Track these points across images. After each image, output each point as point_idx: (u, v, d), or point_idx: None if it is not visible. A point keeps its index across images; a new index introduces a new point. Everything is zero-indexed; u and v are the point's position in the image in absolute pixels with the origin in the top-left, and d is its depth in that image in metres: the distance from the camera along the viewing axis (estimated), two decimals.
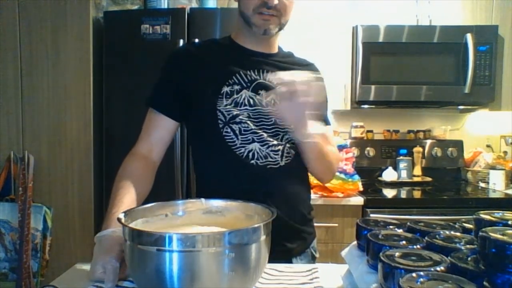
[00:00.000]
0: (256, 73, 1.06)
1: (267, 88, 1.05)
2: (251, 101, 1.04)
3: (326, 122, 1.17)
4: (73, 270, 0.91)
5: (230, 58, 1.08)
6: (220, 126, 1.03)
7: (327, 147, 1.08)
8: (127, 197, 0.91)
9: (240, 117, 1.02)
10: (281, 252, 0.98)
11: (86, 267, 0.89)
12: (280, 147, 1.04)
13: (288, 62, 1.13)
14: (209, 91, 1.04)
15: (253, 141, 1.02)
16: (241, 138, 1.02)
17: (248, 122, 1.03)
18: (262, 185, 1.01)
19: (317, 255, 1.16)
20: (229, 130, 1.02)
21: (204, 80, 1.05)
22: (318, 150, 1.04)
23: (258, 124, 1.03)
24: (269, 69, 1.08)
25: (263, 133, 1.03)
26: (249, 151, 1.02)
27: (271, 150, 1.03)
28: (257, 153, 1.02)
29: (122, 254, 0.78)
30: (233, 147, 1.02)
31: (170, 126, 1.08)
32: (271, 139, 1.03)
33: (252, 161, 1.02)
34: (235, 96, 1.03)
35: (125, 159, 1.03)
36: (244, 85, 1.04)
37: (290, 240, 1.06)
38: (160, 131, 1.07)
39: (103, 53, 2.06)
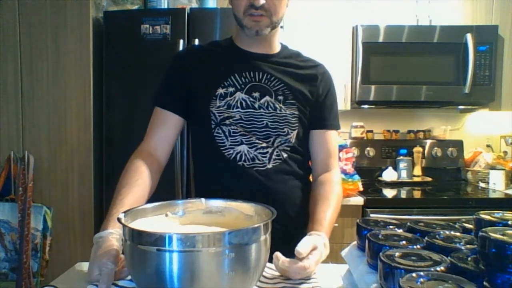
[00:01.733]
0: (252, 75, 1.07)
1: (261, 90, 1.06)
2: (244, 103, 1.04)
3: (334, 127, 1.16)
4: (73, 270, 0.91)
5: (228, 60, 1.09)
6: (212, 126, 1.05)
7: (335, 210, 1.03)
8: (129, 197, 0.91)
9: (231, 119, 1.04)
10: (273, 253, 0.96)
11: (86, 267, 0.89)
12: (269, 150, 1.05)
13: (288, 64, 1.11)
14: (204, 92, 1.06)
15: (242, 143, 1.03)
16: (231, 139, 1.04)
17: (238, 125, 1.04)
18: (248, 187, 1.02)
19: None
20: (220, 131, 1.04)
21: (201, 81, 1.07)
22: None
23: (249, 126, 1.04)
24: (265, 70, 1.08)
25: (252, 136, 1.04)
26: (237, 153, 1.03)
27: (259, 153, 1.04)
28: (245, 155, 1.03)
29: (119, 255, 0.78)
30: (222, 148, 1.04)
31: (176, 123, 1.09)
32: (260, 142, 1.04)
33: (240, 163, 1.03)
34: (228, 98, 1.05)
35: (130, 157, 1.03)
36: (239, 87, 1.06)
37: (284, 241, 1.03)
38: (166, 128, 1.08)
39: (103, 53, 2.06)
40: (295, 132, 1.08)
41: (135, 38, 2.01)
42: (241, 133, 1.04)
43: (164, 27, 2.00)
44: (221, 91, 1.05)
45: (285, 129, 1.06)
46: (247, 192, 0.98)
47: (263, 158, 1.04)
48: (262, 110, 1.05)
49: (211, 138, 1.05)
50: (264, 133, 1.04)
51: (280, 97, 1.07)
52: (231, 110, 1.04)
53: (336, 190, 1.08)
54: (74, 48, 2.00)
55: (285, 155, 1.07)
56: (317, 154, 1.14)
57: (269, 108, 1.05)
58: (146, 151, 1.05)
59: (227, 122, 1.03)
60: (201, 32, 1.99)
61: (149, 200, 0.90)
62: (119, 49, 2.04)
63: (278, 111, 1.06)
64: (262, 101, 1.05)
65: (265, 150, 1.04)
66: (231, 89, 1.05)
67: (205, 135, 1.06)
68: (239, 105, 1.04)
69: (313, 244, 0.84)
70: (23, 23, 1.99)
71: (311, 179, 1.18)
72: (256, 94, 1.05)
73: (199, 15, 2.04)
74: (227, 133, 1.04)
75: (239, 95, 1.05)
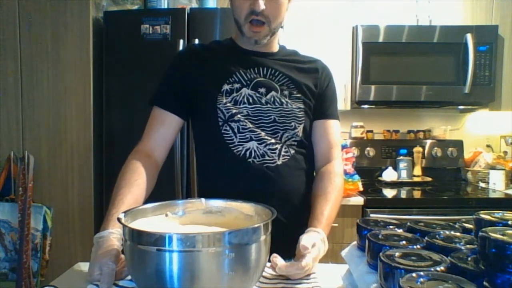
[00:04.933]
0: (256, 71, 1.08)
1: (266, 85, 1.06)
2: (251, 99, 1.05)
3: (335, 117, 1.16)
4: (73, 270, 0.91)
5: (231, 58, 1.10)
6: (220, 124, 1.04)
7: (335, 204, 1.03)
8: (128, 197, 0.91)
9: (239, 115, 1.03)
10: (272, 253, 0.96)
11: (86, 267, 0.89)
12: (278, 146, 1.05)
13: (290, 60, 1.13)
14: (210, 89, 1.06)
15: (251, 139, 1.03)
16: (239, 136, 1.03)
17: (246, 120, 1.03)
18: (259, 183, 1.02)
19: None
20: (228, 128, 1.04)
21: (205, 79, 1.07)
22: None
23: (257, 122, 1.04)
24: (268, 66, 1.09)
25: (261, 132, 1.04)
26: (246, 150, 1.03)
27: (269, 149, 1.04)
28: (254, 151, 1.03)
29: (120, 255, 0.78)
30: (231, 145, 1.04)
31: (174, 123, 1.08)
32: (269, 138, 1.04)
33: (249, 160, 1.03)
34: (234, 94, 1.05)
35: (128, 157, 1.02)
36: (244, 83, 1.06)
37: (283, 241, 1.03)
38: (164, 129, 1.07)
39: (103, 53, 2.06)
40: (302, 126, 1.09)
41: (135, 38, 2.01)
42: (250, 129, 1.03)
43: (164, 27, 2.00)
44: (226, 87, 1.05)
45: (292, 123, 1.07)
46: (257, 189, 0.98)
47: (273, 154, 1.04)
48: (269, 105, 1.05)
49: (218, 135, 1.04)
50: (272, 128, 1.05)
51: (286, 92, 1.08)
52: (238, 106, 1.04)
53: (336, 182, 1.07)
54: (74, 48, 2.00)
55: (292, 151, 1.07)
56: (318, 145, 1.13)
57: (276, 103, 1.06)
58: (144, 152, 1.04)
59: (236, 118, 1.03)
60: (201, 32, 1.99)
61: (149, 200, 0.90)
62: (119, 49, 2.04)
63: (285, 106, 1.06)
64: (268, 96, 1.06)
65: (274, 146, 1.04)
66: (236, 85, 1.05)
67: (212, 132, 1.05)
68: (245, 100, 1.04)
69: (312, 241, 0.85)
70: (23, 23, 1.99)
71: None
72: (262, 90, 1.06)
73: (199, 15, 2.03)
74: (235, 130, 1.03)
75: (245, 91, 1.05)
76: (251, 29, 1.03)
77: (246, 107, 1.04)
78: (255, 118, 1.04)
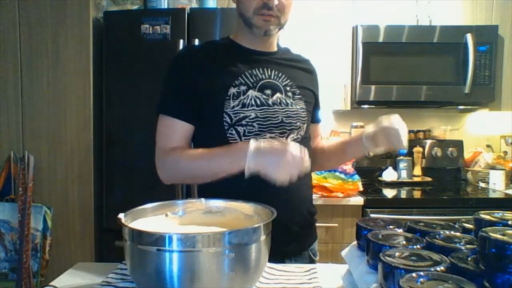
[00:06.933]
0: (261, 72, 1.07)
1: (272, 87, 1.06)
2: (258, 101, 1.04)
3: (320, 118, 1.25)
4: (73, 270, 0.91)
5: (234, 59, 1.08)
6: (226, 128, 1.03)
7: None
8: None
9: (247, 119, 1.02)
10: (272, 252, 0.96)
11: (86, 267, 0.90)
12: None
13: (287, 59, 1.15)
14: (216, 93, 1.03)
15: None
16: (244, 139, 1.02)
17: (255, 123, 1.03)
18: (259, 183, 1.01)
19: (316, 258, 1.15)
20: (233, 132, 1.03)
21: (210, 83, 1.04)
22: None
23: (265, 123, 1.04)
24: (272, 67, 1.09)
25: (266, 134, 1.03)
26: None
27: None
28: None
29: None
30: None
31: (185, 130, 1.06)
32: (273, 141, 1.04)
33: None
34: (242, 97, 1.03)
35: (165, 157, 1.03)
36: (250, 85, 1.05)
37: (284, 241, 1.02)
38: (179, 135, 1.05)
39: (103, 53, 2.06)
40: (305, 126, 1.11)
41: (135, 38, 2.01)
42: (255, 133, 1.02)
43: (164, 27, 2.00)
44: (233, 90, 1.03)
45: (298, 123, 1.08)
46: (256, 188, 0.97)
47: None
48: (276, 107, 1.05)
49: (223, 138, 1.02)
50: (280, 128, 1.05)
51: (289, 93, 1.09)
52: (246, 109, 1.03)
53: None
54: (74, 48, 2.00)
55: None
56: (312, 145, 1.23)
57: (282, 104, 1.06)
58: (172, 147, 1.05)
59: (243, 122, 1.02)
60: (201, 32, 1.99)
61: (149, 200, 0.90)
62: (119, 49, 2.04)
63: (290, 107, 1.07)
64: (274, 98, 1.06)
65: None
66: (243, 88, 1.04)
67: (217, 136, 1.03)
68: (253, 103, 1.04)
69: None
70: (23, 23, 1.99)
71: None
72: (268, 91, 1.06)
73: (199, 15, 2.04)
74: (241, 133, 1.02)
75: (252, 93, 1.04)
76: (261, 18, 1.03)
77: (254, 109, 1.03)
78: (264, 120, 1.04)
